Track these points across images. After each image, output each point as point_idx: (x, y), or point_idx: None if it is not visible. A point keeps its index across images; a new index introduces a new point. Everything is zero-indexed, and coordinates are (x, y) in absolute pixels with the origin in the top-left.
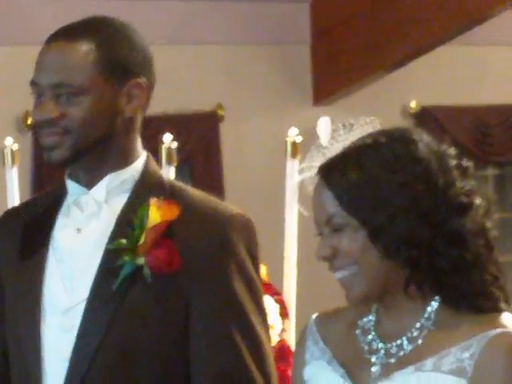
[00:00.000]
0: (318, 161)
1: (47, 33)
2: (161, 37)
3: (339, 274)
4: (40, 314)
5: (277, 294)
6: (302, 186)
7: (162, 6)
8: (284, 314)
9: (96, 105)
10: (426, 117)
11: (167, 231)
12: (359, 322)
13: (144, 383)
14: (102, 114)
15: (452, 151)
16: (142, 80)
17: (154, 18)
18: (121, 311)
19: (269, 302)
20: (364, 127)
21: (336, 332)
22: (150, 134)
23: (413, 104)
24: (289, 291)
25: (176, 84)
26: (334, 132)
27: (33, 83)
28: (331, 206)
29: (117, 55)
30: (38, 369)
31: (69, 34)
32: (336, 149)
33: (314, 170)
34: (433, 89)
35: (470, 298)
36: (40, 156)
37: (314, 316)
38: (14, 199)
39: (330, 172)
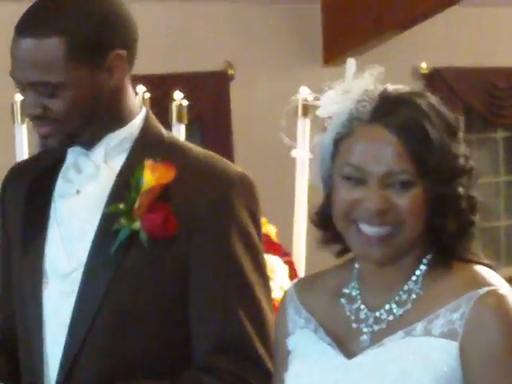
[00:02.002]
0: (341, 98)
1: None
2: None
3: (382, 230)
4: (42, 277)
5: (286, 255)
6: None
7: None
8: (293, 275)
9: (76, 93)
10: (436, 78)
11: (163, 194)
12: (344, 291)
13: (143, 346)
14: (84, 97)
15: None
16: (120, 50)
17: None
18: (118, 275)
19: (278, 263)
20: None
21: (319, 299)
22: (160, 92)
23: (423, 65)
24: (298, 252)
25: (186, 43)
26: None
27: (11, 76)
28: (401, 160)
29: (87, 39)
30: (39, 333)
31: (35, 28)
32: (360, 86)
33: (334, 108)
34: (444, 50)
35: (461, 254)
36: None
37: (294, 283)
38: (23, 156)
39: (401, 123)
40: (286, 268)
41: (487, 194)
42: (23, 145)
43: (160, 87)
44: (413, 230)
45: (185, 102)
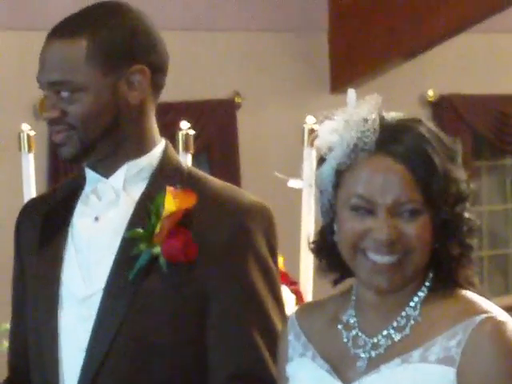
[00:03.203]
0: (342, 128)
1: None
2: (179, 23)
3: (392, 258)
4: (58, 302)
5: (293, 283)
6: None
7: None
8: (300, 304)
9: (96, 99)
10: (443, 105)
11: (184, 220)
12: (341, 317)
13: (160, 373)
14: (103, 106)
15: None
16: (144, 66)
17: (172, 5)
18: (137, 301)
19: (285, 292)
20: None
21: (318, 326)
22: (167, 121)
23: (431, 92)
24: (305, 281)
25: (194, 71)
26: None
27: (37, 81)
28: (409, 190)
29: (113, 46)
30: (54, 358)
31: (64, 30)
32: (360, 116)
33: (335, 136)
34: (451, 77)
35: (460, 279)
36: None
37: (295, 309)
38: (30, 185)
39: (407, 153)
40: (293, 297)
41: (495, 221)
42: (30, 173)
43: (167, 115)
44: (421, 258)
45: (191, 132)
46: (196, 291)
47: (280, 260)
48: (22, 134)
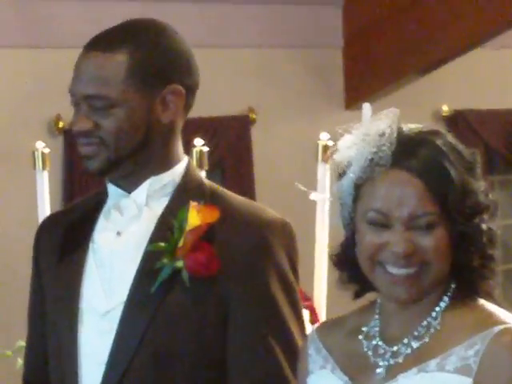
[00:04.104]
0: (359, 143)
1: (79, 37)
2: (192, 40)
3: (409, 270)
4: (78, 316)
5: (307, 300)
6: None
7: (194, 10)
8: (314, 320)
9: (130, 116)
10: (458, 121)
11: (206, 235)
12: (362, 329)
13: None
14: (136, 124)
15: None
16: (178, 86)
17: (185, 21)
18: (158, 314)
19: None
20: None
21: (338, 340)
22: (181, 137)
23: (445, 107)
24: (319, 297)
25: (208, 87)
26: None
27: (70, 92)
28: (424, 203)
29: (152, 64)
30: (74, 371)
31: (104, 43)
32: (376, 130)
33: (353, 151)
34: (465, 92)
35: (481, 290)
36: (71, 159)
37: (316, 325)
38: (44, 202)
39: (422, 166)
40: (306, 313)
41: (509, 235)
42: (44, 191)
43: (181, 132)
44: (439, 270)
45: (205, 149)
46: (217, 305)
47: None
48: (36, 152)
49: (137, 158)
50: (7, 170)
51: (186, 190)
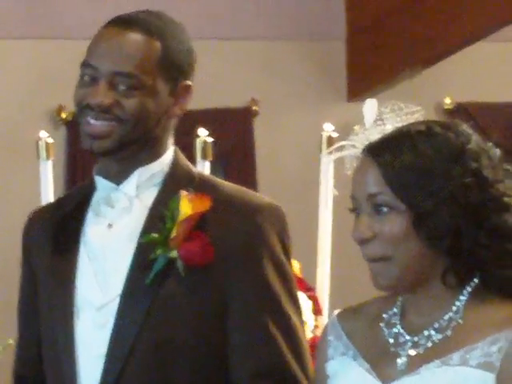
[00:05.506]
0: (359, 141)
1: (83, 28)
2: (196, 32)
3: (376, 253)
4: (73, 310)
5: (310, 290)
6: (338, 165)
7: (197, 1)
8: (317, 310)
9: (150, 102)
10: (460, 113)
11: (199, 223)
12: (384, 316)
13: (180, 377)
14: (153, 111)
15: (497, 151)
16: (190, 83)
17: (189, 13)
18: (155, 305)
19: (302, 299)
20: (410, 115)
21: (359, 327)
22: (185, 128)
23: (447, 100)
24: (322, 287)
25: (211, 79)
26: (377, 117)
27: (88, 65)
28: (378, 183)
29: (177, 57)
30: (72, 365)
31: (142, 26)
32: (380, 131)
33: (355, 150)
34: (468, 85)
35: (506, 285)
36: (74, 150)
37: (337, 312)
38: (48, 192)
39: (381, 151)
40: (309, 303)
41: None
42: (48, 181)
43: (184, 123)
44: (402, 258)
45: (209, 139)
46: (213, 293)
47: (296, 266)
48: (40, 142)
49: (138, 145)
50: (11, 160)
51: (175, 179)
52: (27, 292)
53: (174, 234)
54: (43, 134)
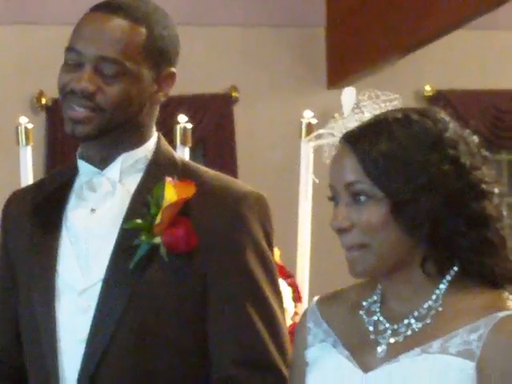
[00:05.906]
0: (337, 130)
1: (63, 14)
2: (176, 18)
3: (352, 241)
4: (54, 294)
5: (290, 277)
6: (318, 153)
7: None
8: (297, 297)
9: (134, 89)
10: (440, 101)
11: (183, 210)
12: (363, 303)
13: (162, 362)
14: (136, 98)
15: (475, 138)
16: (174, 69)
17: None
18: (138, 291)
19: (282, 286)
20: (388, 102)
21: (339, 314)
22: (164, 114)
23: (427, 88)
24: (302, 274)
25: (191, 66)
26: (355, 105)
27: (73, 50)
28: (355, 172)
29: (162, 43)
30: (54, 350)
31: (127, 11)
32: (358, 119)
33: (333, 139)
34: (448, 73)
35: (486, 273)
36: (53, 135)
37: (316, 298)
38: (28, 178)
39: (358, 139)
40: (289, 290)
41: None
42: (28, 166)
43: (164, 109)
44: (381, 245)
45: (189, 125)
46: (196, 280)
47: (276, 253)
48: (19, 127)
49: (120, 131)
50: None
51: (159, 166)
52: (2, 274)
53: (158, 220)
54: (23, 120)
